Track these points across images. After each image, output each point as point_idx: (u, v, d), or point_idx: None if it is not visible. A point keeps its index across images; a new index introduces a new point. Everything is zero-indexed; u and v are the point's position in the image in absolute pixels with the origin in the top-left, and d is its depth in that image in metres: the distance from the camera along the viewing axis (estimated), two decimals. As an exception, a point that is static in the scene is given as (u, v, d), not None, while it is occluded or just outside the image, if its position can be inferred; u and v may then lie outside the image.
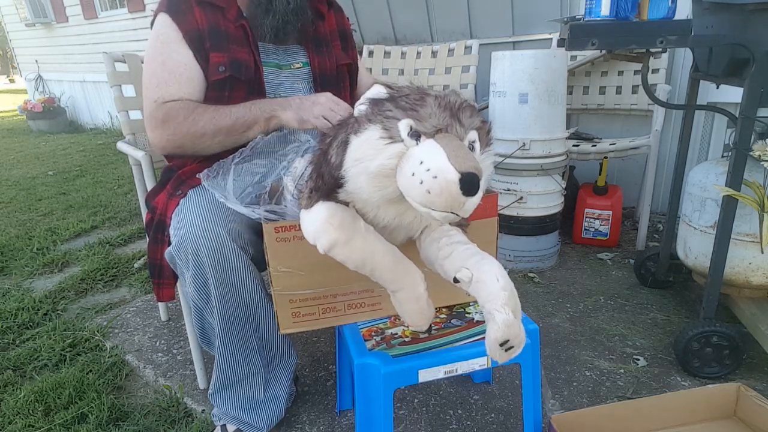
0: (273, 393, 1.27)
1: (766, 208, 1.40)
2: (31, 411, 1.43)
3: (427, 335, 1.04)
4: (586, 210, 2.32)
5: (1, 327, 1.90)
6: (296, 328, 1.07)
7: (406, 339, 1.03)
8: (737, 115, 1.34)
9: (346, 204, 0.85)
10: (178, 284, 1.35)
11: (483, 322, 1.04)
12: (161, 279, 1.26)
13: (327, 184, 0.82)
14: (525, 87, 1.97)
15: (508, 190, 2.12)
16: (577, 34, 1.31)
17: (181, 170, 1.26)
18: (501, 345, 0.78)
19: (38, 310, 2.03)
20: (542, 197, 2.10)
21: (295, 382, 1.41)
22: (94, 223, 3.03)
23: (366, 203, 0.83)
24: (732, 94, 1.73)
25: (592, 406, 1.32)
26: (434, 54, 2.54)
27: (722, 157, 1.75)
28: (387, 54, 2.67)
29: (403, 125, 0.73)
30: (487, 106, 2.18)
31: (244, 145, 1.17)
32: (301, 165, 1.06)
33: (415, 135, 0.73)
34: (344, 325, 1.10)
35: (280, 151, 1.14)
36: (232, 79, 1.21)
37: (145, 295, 2.12)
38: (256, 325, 1.18)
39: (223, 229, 1.07)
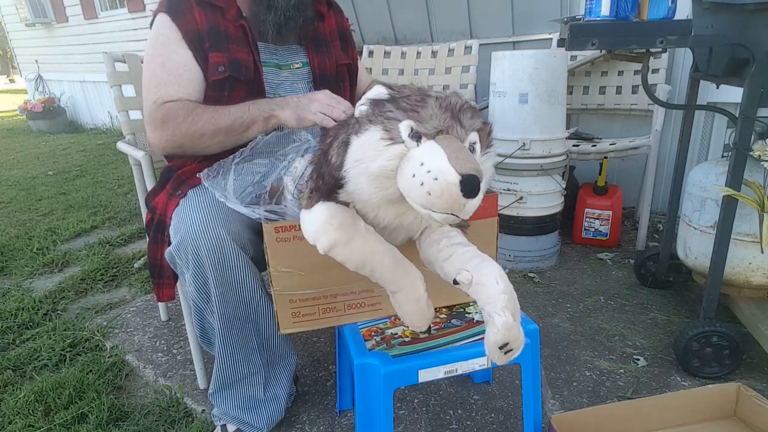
0: (273, 393, 1.27)
1: (766, 208, 1.40)
2: (31, 411, 1.43)
3: (427, 335, 1.04)
4: (586, 210, 2.32)
5: (1, 327, 1.90)
6: (296, 328, 1.07)
7: (406, 339, 1.03)
8: (737, 115, 1.34)
9: (347, 204, 0.85)
10: (178, 284, 1.35)
11: (483, 322, 1.04)
12: (161, 279, 1.26)
13: (327, 185, 0.82)
14: (525, 87, 1.97)
15: (508, 190, 2.12)
16: (577, 34, 1.31)
17: (181, 170, 1.26)
18: (500, 348, 0.78)
19: (38, 310, 2.03)
20: (542, 197, 2.10)
21: (295, 382, 1.41)
22: (94, 223, 3.03)
23: (366, 204, 0.83)
24: (732, 94, 1.73)
25: (592, 406, 1.32)
26: (434, 54, 2.54)
27: (722, 157, 1.75)
28: (387, 54, 2.67)
29: (404, 126, 0.73)
30: (487, 106, 2.18)
31: (245, 145, 1.17)
32: (301, 165, 1.06)
33: (416, 136, 0.73)
34: (344, 325, 1.10)
35: (280, 150, 1.14)
36: (231, 79, 1.21)
37: (145, 295, 2.12)
38: (256, 324, 1.18)
39: (223, 228, 1.07)
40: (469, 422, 1.33)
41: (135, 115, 1.59)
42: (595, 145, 2.32)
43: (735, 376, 1.45)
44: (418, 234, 0.95)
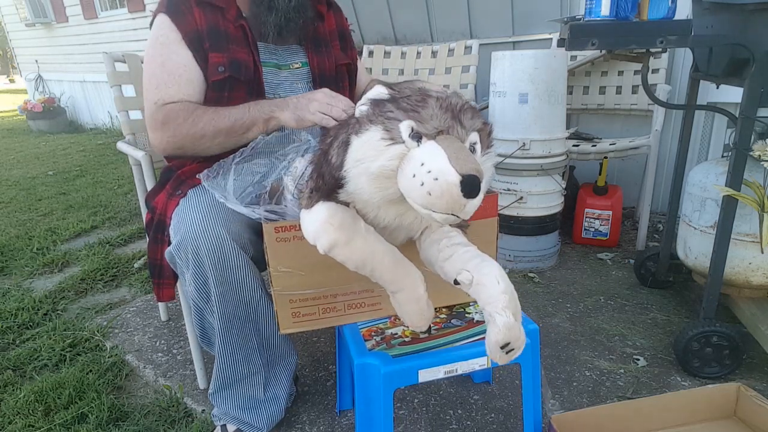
0: (273, 393, 1.27)
1: (766, 208, 1.40)
2: (31, 411, 1.43)
3: (427, 335, 1.04)
4: (586, 210, 2.32)
5: (1, 327, 1.90)
6: (296, 328, 1.07)
7: (406, 339, 1.03)
8: (737, 115, 1.34)
9: (347, 204, 0.85)
10: (178, 284, 1.35)
11: (483, 322, 1.04)
12: (161, 279, 1.26)
13: (327, 185, 0.82)
14: (525, 87, 1.97)
15: (508, 190, 2.12)
16: (577, 34, 1.31)
17: (181, 170, 1.26)
18: (502, 348, 0.78)
19: (38, 310, 2.03)
20: (542, 197, 2.10)
21: (295, 382, 1.41)
22: (94, 223, 3.03)
23: (366, 204, 0.83)
24: (732, 94, 1.73)
25: (592, 406, 1.32)
26: (434, 54, 2.54)
27: (722, 157, 1.75)
28: (387, 54, 2.67)
29: (405, 126, 0.73)
30: (487, 106, 2.18)
31: (245, 145, 1.17)
32: (301, 165, 1.05)
33: (417, 136, 0.73)
34: (344, 325, 1.10)
35: (280, 150, 1.14)
36: (231, 80, 1.21)
37: (145, 295, 2.12)
38: (256, 324, 1.18)
39: (223, 228, 1.07)
40: (469, 422, 1.33)
41: (135, 115, 1.60)
42: (595, 145, 2.32)
43: (735, 376, 1.45)
44: (419, 234, 0.95)
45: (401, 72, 2.61)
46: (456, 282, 0.85)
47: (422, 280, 0.91)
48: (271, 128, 1.20)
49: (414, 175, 0.70)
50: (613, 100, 2.60)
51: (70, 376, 1.56)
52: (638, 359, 1.55)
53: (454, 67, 2.45)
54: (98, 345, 1.78)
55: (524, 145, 2.02)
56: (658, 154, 2.26)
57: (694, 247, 1.63)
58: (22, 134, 6.88)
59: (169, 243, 1.16)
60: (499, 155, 2.04)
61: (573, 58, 2.59)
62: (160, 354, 1.70)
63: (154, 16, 1.23)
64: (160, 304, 1.93)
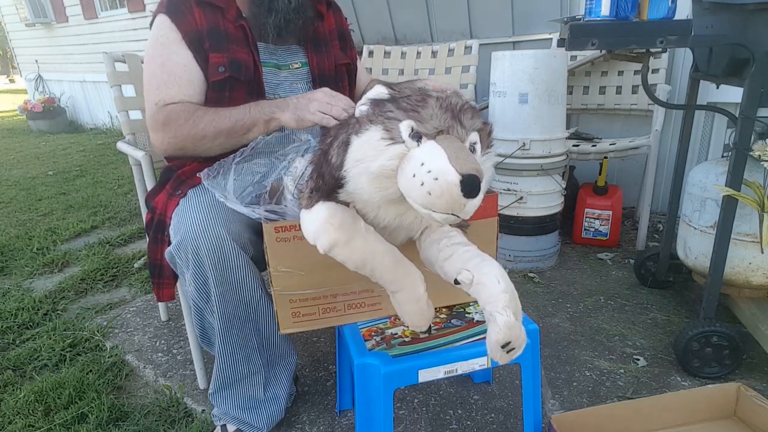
0: (273, 393, 1.27)
1: (766, 208, 1.40)
2: (31, 411, 1.43)
3: (427, 335, 1.04)
4: (586, 210, 2.32)
5: (1, 327, 1.90)
6: (296, 328, 1.07)
7: (406, 339, 1.03)
8: (737, 115, 1.34)
9: (347, 204, 0.85)
10: (178, 284, 1.35)
11: (483, 322, 1.04)
12: (161, 279, 1.26)
13: (327, 185, 0.82)
14: (525, 87, 1.97)
15: (508, 190, 2.12)
16: (577, 34, 1.31)
17: (181, 170, 1.26)
18: (503, 347, 0.78)
19: (38, 310, 2.03)
20: (542, 197, 2.10)
21: (295, 382, 1.41)
22: (94, 223, 3.03)
23: (366, 204, 0.83)
24: (732, 94, 1.73)
25: (592, 406, 1.32)
26: (434, 54, 2.54)
27: (722, 157, 1.75)
28: (387, 54, 2.67)
29: (405, 126, 0.73)
30: (487, 106, 2.18)
31: (245, 145, 1.17)
32: (301, 165, 1.06)
33: (417, 136, 0.73)
34: (344, 325, 1.10)
35: (280, 150, 1.14)
36: (231, 80, 1.21)
37: (145, 295, 2.12)
38: (256, 324, 1.18)
39: (223, 228, 1.07)
40: (469, 422, 1.33)
41: (135, 115, 1.60)
42: (595, 145, 2.32)
43: (735, 376, 1.45)
44: (418, 234, 0.95)
45: (401, 72, 2.61)
46: (456, 282, 0.85)
47: (422, 280, 0.91)
48: (271, 129, 1.20)
49: (414, 175, 0.70)
50: (613, 100, 2.60)
51: (70, 376, 1.56)
52: (638, 359, 1.55)
53: (454, 67, 2.45)
54: (98, 345, 1.78)
55: (524, 145, 2.02)
56: (658, 154, 2.26)
57: (694, 247, 1.63)
58: (22, 134, 6.88)
59: (169, 243, 1.16)
60: (499, 155, 2.04)
61: (573, 58, 2.59)
62: (160, 354, 1.70)
63: (154, 17, 1.23)
64: (160, 304, 1.93)
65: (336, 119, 1.09)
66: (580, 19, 1.45)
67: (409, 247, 0.95)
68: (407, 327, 1.06)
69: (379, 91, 0.79)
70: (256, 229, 1.11)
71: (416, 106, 0.74)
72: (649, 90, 1.56)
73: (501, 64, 2.03)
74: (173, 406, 1.44)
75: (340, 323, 1.10)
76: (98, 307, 2.04)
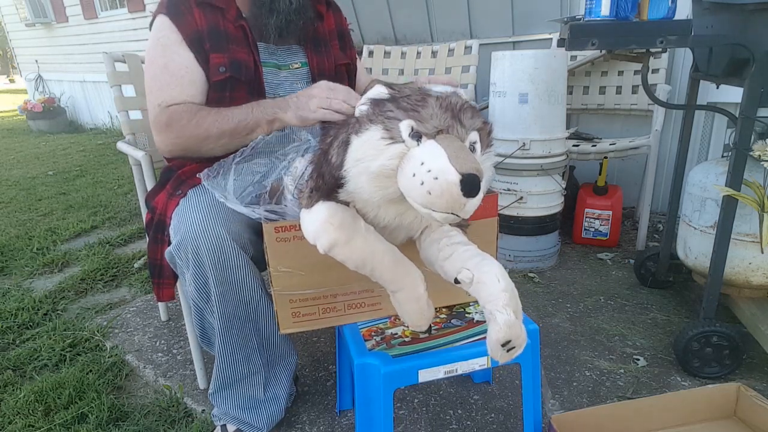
0: (273, 393, 1.27)
1: (766, 208, 1.40)
2: (31, 411, 1.43)
3: (427, 335, 1.04)
4: (586, 210, 2.32)
5: (1, 327, 1.90)
6: (296, 328, 1.07)
7: (406, 339, 1.03)
8: (737, 115, 1.34)
9: (347, 204, 0.85)
10: (178, 284, 1.35)
11: (483, 322, 1.04)
12: (161, 279, 1.26)
13: (327, 184, 0.82)
14: (525, 87, 1.97)
15: (508, 190, 2.12)
16: (577, 34, 1.31)
17: (181, 170, 1.26)
18: (503, 345, 0.78)
19: (38, 310, 2.03)
20: (542, 197, 2.10)
21: (295, 382, 1.41)
22: (94, 223, 3.03)
23: (366, 203, 0.83)
24: (732, 94, 1.73)
25: (592, 406, 1.32)
26: (434, 54, 2.54)
27: (722, 157, 1.75)
28: (387, 54, 2.67)
29: (405, 126, 0.73)
30: (487, 106, 2.18)
31: (246, 145, 1.17)
32: (301, 164, 1.05)
33: (417, 136, 0.73)
34: (344, 325, 1.10)
35: (280, 150, 1.14)
36: (232, 80, 1.21)
37: (145, 295, 2.12)
38: (256, 323, 1.18)
39: (223, 228, 1.07)
40: (469, 422, 1.33)
41: (135, 115, 1.60)
42: (595, 145, 2.32)
43: (735, 376, 1.45)
44: (418, 233, 0.95)
45: (401, 72, 2.61)
46: (456, 281, 0.85)
47: (422, 280, 0.91)
48: (274, 129, 1.20)
49: (414, 174, 0.70)
50: (613, 100, 2.60)
51: (70, 376, 1.56)
52: (638, 359, 1.55)
53: (454, 67, 2.45)
54: (98, 345, 1.78)
55: (524, 145, 2.02)
56: (658, 154, 2.26)
57: (694, 247, 1.63)
58: (22, 134, 6.88)
59: (169, 243, 1.16)
60: (499, 155, 2.04)
61: (573, 58, 2.59)
62: (160, 354, 1.70)
63: (154, 17, 1.23)
64: (160, 304, 1.93)
65: (338, 112, 1.08)
66: (580, 19, 1.45)
67: (409, 247, 0.95)
68: (407, 327, 1.06)
69: (379, 91, 0.79)
70: (256, 229, 1.11)
71: (416, 105, 0.74)
72: (649, 90, 1.56)
73: (501, 64, 2.03)
74: (173, 406, 1.44)
75: (340, 323, 1.10)
76: (98, 307, 2.04)
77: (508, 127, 2.04)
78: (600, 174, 2.32)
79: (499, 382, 1.47)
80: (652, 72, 2.36)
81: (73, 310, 2.04)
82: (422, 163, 0.70)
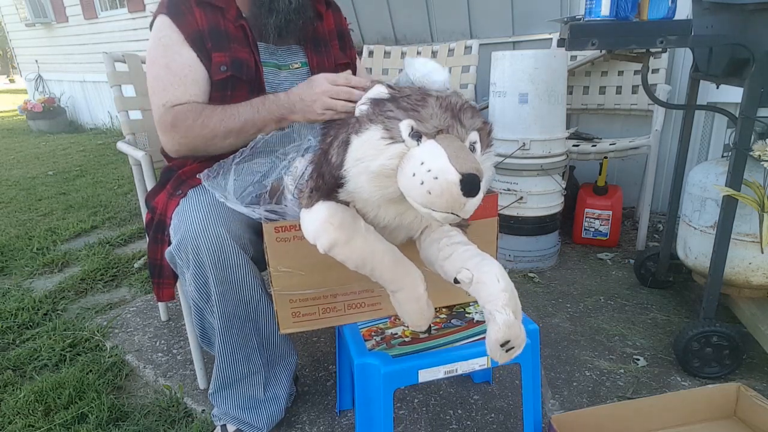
0: (273, 393, 1.27)
1: (766, 208, 1.40)
2: (31, 411, 1.43)
3: (427, 335, 1.04)
4: (586, 210, 2.32)
5: (1, 327, 1.90)
6: (296, 328, 1.07)
7: (406, 339, 1.03)
8: (737, 115, 1.34)
9: (347, 204, 0.85)
10: (178, 284, 1.35)
11: (483, 322, 1.04)
12: (161, 279, 1.26)
13: (327, 184, 0.82)
14: (525, 87, 1.97)
15: (508, 190, 2.12)
16: (577, 34, 1.31)
17: (181, 170, 1.26)
18: (502, 345, 0.78)
19: (38, 310, 2.03)
20: (542, 197, 2.10)
21: (295, 382, 1.41)
22: (94, 223, 3.03)
23: (366, 203, 0.83)
24: (732, 94, 1.73)
25: (592, 406, 1.32)
26: (434, 54, 2.54)
27: (722, 157, 1.75)
28: (387, 54, 2.67)
29: (405, 126, 0.73)
30: (487, 106, 2.18)
31: (245, 144, 1.17)
32: (301, 164, 1.05)
33: (416, 135, 0.73)
34: (344, 325, 1.10)
35: (280, 150, 1.14)
36: (233, 79, 1.21)
37: (145, 295, 2.12)
38: (256, 323, 1.18)
39: (224, 228, 1.07)
40: (469, 422, 1.33)
41: (135, 115, 1.59)
42: (595, 145, 2.32)
43: (735, 376, 1.45)
44: (418, 233, 0.95)
45: (401, 72, 2.61)
46: (456, 281, 0.85)
47: (422, 280, 0.91)
48: (282, 126, 1.20)
49: (414, 174, 0.70)
50: (613, 100, 2.60)
51: (70, 376, 1.56)
52: (638, 359, 1.55)
53: (454, 67, 2.45)
54: (98, 345, 1.78)
55: (524, 145, 2.02)
56: (658, 154, 2.26)
57: (694, 247, 1.63)
58: (22, 134, 6.88)
59: (169, 243, 1.16)
60: (499, 155, 2.04)
61: (573, 58, 2.59)
62: (160, 354, 1.70)
63: (154, 18, 1.23)
64: (160, 304, 1.93)
65: (347, 101, 1.09)
66: (580, 19, 1.45)
67: (409, 247, 0.95)
68: (407, 327, 1.06)
69: (379, 91, 0.79)
70: (256, 229, 1.11)
71: (416, 105, 0.74)
72: (649, 90, 1.56)
73: (501, 64, 2.03)
74: (173, 406, 1.44)
75: (340, 323, 1.10)
76: (98, 307, 2.04)
77: (508, 127, 2.04)
78: (600, 174, 2.32)
79: (499, 382, 1.47)
80: (652, 72, 2.36)
81: (73, 310, 2.04)
82: (422, 163, 0.70)
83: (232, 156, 1.13)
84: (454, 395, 1.42)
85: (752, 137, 1.35)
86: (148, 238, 1.28)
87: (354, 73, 1.47)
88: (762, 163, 1.35)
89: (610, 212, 2.29)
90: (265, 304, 1.16)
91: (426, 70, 1.03)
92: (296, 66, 1.33)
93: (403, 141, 0.73)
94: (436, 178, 0.68)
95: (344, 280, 1.04)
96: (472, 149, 0.76)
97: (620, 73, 2.56)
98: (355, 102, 1.04)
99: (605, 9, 1.33)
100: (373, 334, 1.06)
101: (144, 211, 1.48)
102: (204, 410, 1.41)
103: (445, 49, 2.50)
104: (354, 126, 0.77)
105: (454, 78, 2.44)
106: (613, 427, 1.17)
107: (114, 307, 2.04)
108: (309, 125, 1.19)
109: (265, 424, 1.26)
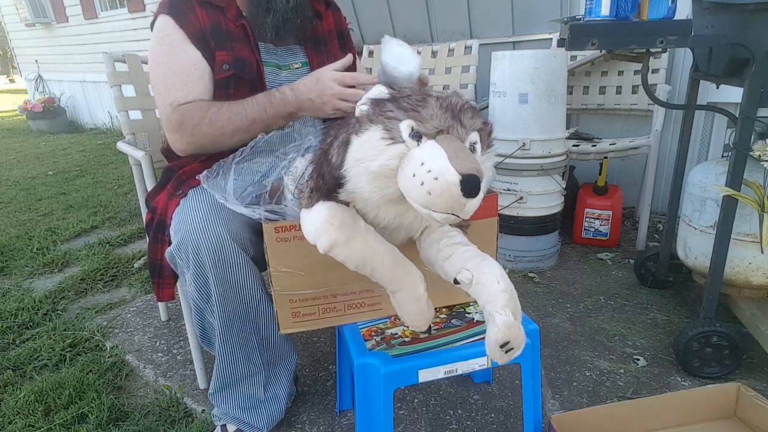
0: (273, 393, 1.27)
1: (766, 208, 1.40)
2: (31, 411, 1.43)
3: (427, 335, 1.04)
4: (586, 210, 2.32)
5: (1, 327, 1.90)
6: (296, 328, 1.07)
7: (406, 339, 1.03)
8: (737, 115, 1.34)
9: (347, 204, 0.85)
10: (178, 284, 1.35)
11: (483, 322, 1.04)
12: (161, 279, 1.26)
13: (327, 184, 0.82)
14: (525, 87, 1.97)
15: (508, 190, 2.12)
16: (577, 34, 1.31)
17: (182, 170, 1.26)
18: (501, 346, 0.78)
19: (38, 310, 2.03)
20: (542, 197, 2.10)
21: (295, 382, 1.41)
22: (94, 223, 3.03)
23: (366, 203, 0.83)
24: (732, 94, 1.73)
25: (592, 406, 1.32)
26: (434, 54, 2.54)
27: (722, 157, 1.75)
28: (387, 54, 2.66)
29: (405, 126, 0.73)
30: (487, 106, 2.18)
31: (245, 144, 1.17)
32: (301, 164, 1.06)
33: (417, 136, 0.73)
34: (344, 325, 1.10)
35: (280, 149, 1.14)
36: (235, 78, 1.22)
37: (145, 295, 2.12)
38: (257, 323, 1.18)
39: (224, 228, 1.07)
40: (469, 422, 1.33)
41: (135, 115, 1.60)
42: (595, 145, 2.32)
43: (735, 376, 1.45)
44: (418, 234, 0.95)
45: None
46: (456, 281, 0.85)
47: (422, 280, 0.91)
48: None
49: (414, 175, 0.70)
50: (613, 100, 2.60)
51: (70, 376, 1.56)
52: (638, 359, 1.55)
53: (454, 67, 2.45)
54: (98, 345, 1.78)
55: (524, 145, 2.02)
56: (658, 154, 2.26)
57: (694, 247, 1.63)
58: (22, 134, 6.88)
59: (170, 243, 1.16)
60: (499, 155, 2.04)
61: (573, 58, 2.59)
62: (160, 354, 1.70)
63: (156, 18, 1.23)
64: (160, 304, 1.93)
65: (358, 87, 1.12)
66: (580, 19, 1.45)
67: (409, 247, 0.95)
68: (407, 327, 1.06)
69: (379, 91, 0.79)
70: (256, 229, 1.11)
71: (416, 105, 0.74)
72: (649, 90, 1.56)
73: (501, 64, 2.03)
74: (173, 406, 1.44)
75: (340, 323, 1.10)
76: (98, 307, 2.04)
77: (508, 127, 2.04)
78: (600, 174, 2.32)
79: (499, 382, 1.47)
80: (652, 72, 2.36)
81: (73, 310, 2.04)
82: (422, 164, 0.70)
83: (232, 155, 1.13)
84: (454, 395, 1.42)
85: (752, 137, 1.35)
86: (148, 238, 1.28)
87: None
88: (762, 163, 1.35)
89: (610, 212, 2.29)
90: (265, 304, 1.16)
91: (399, 53, 1.06)
92: (296, 66, 1.33)
93: (404, 141, 0.73)
94: (436, 178, 0.68)
95: (344, 280, 1.04)
96: (473, 150, 0.76)
97: (620, 73, 2.56)
98: None
99: (605, 9, 1.33)
100: (373, 334, 1.06)
101: (144, 211, 1.48)
102: (204, 410, 1.41)
103: (445, 49, 2.50)
104: (354, 126, 0.77)
105: (454, 78, 2.44)
106: (613, 427, 1.17)
107: (114, 307, 2.04)
108: (310, 124, 1.19)
109: (265, 424, 1.26)
